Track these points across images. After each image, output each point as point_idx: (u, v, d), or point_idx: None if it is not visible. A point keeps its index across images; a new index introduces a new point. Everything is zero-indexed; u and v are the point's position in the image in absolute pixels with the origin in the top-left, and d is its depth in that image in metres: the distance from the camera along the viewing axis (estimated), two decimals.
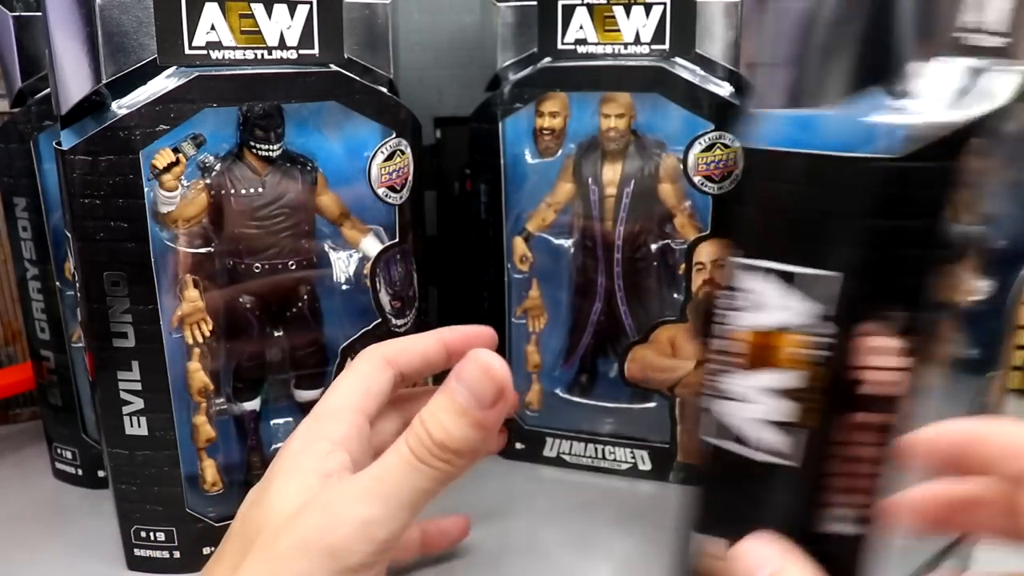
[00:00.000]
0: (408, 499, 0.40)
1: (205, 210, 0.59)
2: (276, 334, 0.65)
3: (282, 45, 0.59)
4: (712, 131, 0.66)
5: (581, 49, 0.65)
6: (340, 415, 0.46)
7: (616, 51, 0.64)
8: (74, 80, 0.54)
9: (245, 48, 0.58)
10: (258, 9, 0.57)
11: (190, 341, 0.60)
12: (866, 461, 0.41)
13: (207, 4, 0.56)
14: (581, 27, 0.64)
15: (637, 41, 0.64)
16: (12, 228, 0.74)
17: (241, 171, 0.60)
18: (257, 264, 0.61)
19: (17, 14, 0.67)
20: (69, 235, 0.57)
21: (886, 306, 0.39)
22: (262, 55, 0.58)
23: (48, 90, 0.62)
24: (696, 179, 0.67)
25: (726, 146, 0.66)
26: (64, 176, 0.55)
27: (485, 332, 0.53)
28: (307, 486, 0.42)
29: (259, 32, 0.58)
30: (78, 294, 0.58)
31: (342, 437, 0.45)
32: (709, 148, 0.66)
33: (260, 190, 0.60)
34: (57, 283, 0.74)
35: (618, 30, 0.64)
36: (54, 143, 0.56)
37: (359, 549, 0.39)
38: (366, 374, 0.49)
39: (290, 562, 0.39)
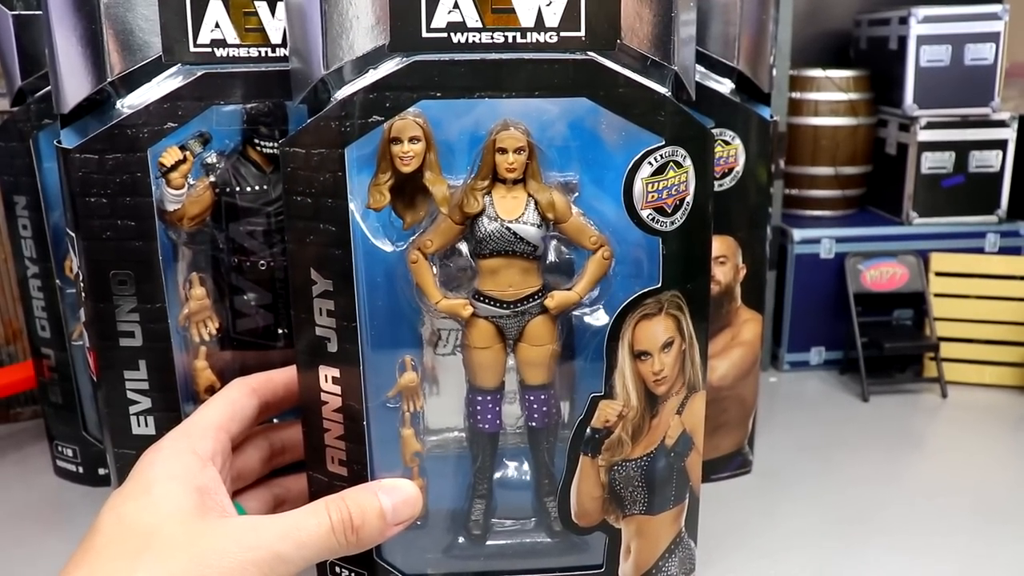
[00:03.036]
0: (312, 554, 0.46)
1: (210, 207, 0.59)
2: (280, 331, 0.65)
3: (285, 43, 0.59)
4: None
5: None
6: (207, 433, 0.49)
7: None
8: (77, 78, 0.54)
9: (249, 46, 0.57)
10: (261, 7, 0.57)
11: (196, 339, 0.60)
12: None
13: (211, 2, 0.56)
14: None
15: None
16: (12, 227, 0.74)
17: (246, 168, 0.60)
18: (263, 261, 0.61)
19: (17, 13, 0.67)
20: (72, 234, 0.57)
21: None
22: (265, 53, 0.58)
23: (48, 88, 0.62)
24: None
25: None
26: (67, 175, 0.55)
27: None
28: (188, 495, 0.45)
29: (262, 30, 0.58)
30: (82, 293, 0.58)
31: (209, 453, 0.48)
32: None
33: (265, 187, 0.60)
34: (57, 281, 0.74)
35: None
36: (55, 142, 0.56)
37: (265, 573, 0.44)
38: (233, 399, 0.52)
39: (213, 565, 0.43)
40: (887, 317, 1.06)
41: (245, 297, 0.62)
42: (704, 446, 0.59)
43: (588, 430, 0.54)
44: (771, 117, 0.74)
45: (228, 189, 0.60)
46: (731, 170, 0.73)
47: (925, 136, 1.07)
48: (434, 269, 0.52)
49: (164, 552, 0.42)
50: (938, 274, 1.04)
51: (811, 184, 1.15)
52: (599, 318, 0.53)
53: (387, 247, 0.51)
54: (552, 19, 0.47)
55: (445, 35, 0.47)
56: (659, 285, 0.52)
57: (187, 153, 0.56)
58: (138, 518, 0.44)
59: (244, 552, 0.43)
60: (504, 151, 0.49)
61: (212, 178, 0.59)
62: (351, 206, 0.49)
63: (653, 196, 0.50)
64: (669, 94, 0.49)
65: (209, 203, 0.59)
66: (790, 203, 1.13)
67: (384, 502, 0.49)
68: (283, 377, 0.55)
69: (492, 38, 0.47)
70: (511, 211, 0.51)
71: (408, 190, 0.50)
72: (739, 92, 0.72)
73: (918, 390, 1.01)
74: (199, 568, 0.42)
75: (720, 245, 0.75)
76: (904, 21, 1.07)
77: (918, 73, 1.06)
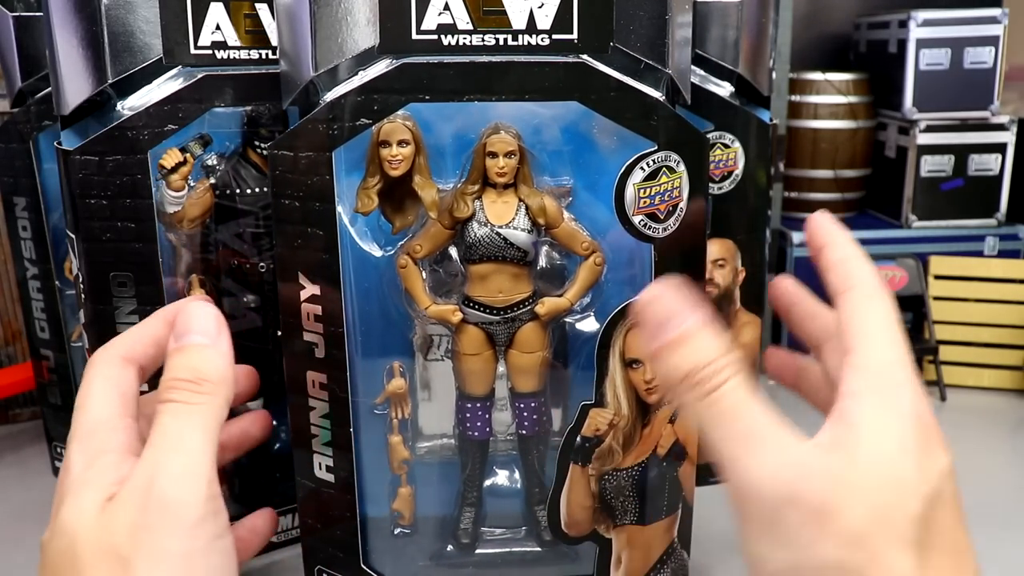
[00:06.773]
0: (200, 438, 0.40)
1: (210, 210, 0.59)
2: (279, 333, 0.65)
3: None
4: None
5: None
6: (112, 424, 0.43)
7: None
8: (77, 80, 0.54)
9: (250, 48, 0.58)
10: (262, 9, 0.57)
11: None
12: None
13: (212, 4, 0.56)
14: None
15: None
16: (12, 228, 0.74)
17: (246, 171, 0.60)
18: (262, 264, 0.61)
19: (17, 14, 0.67)
20: (72, 235, 0.57)
21: None
22: (266, 55, 0.58)
23: (48, 90, 0.62)
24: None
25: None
26: (67, 176, 0.55)
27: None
28: (106, 494, 0.39)
29: (263, 32, 0.58)
30: (82, 295, 0.58)
31: (124, 445, 0.42)
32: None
33: (265, 189, 0.60)
34: (57, 282, 0.74)
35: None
36: (55, 143, 0.56)
37: (189, 496, 0.38)
38: (113, 378, 0.45)
39: (135, 550, 0.37)
40: None
41: (245, 299, 0.62)
42: (700, 450, 0.58)
43: (578, 438, 0.54)
44: (771, 120, 0.75)
45: (228, 191, 0.60)
46: (730, 173, 0.74)
47: (924, 139, 1.07)
48: (423, 274, 0.52)
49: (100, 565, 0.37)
50: (937, 277, 1.04)
51: (810, 187, 1.15)
52: (590, 325, 0.53)
53: (376, 252, 0.50)
54: (544, 21, 0.47)
55: (435, 37, 0.47)
56: None
57: (187, 155, 0.56)
58: (54, 552, 0.39)
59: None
60: (494, 155, 0.49)
61: (212, 180, 0.59)
62: (339, 210, 0.48)
63: (645, 202, 0.50)
64: (663, 98, 0.49)
65: (209, 205, 0.59)
66: (789, 206, 1.14)
67: (187, 341, 0.43)
68: (149, 333, 0.46)
69: (483, 40, 0.47)
70: (501, 216, 0.50)
71: (397, 194, 0.50)
72: (738, 95, 0.72)
73: None
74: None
75: (719, 248, 0.75)
76: (904, 24, 1.07)
77: (917, 76, 1.06)
